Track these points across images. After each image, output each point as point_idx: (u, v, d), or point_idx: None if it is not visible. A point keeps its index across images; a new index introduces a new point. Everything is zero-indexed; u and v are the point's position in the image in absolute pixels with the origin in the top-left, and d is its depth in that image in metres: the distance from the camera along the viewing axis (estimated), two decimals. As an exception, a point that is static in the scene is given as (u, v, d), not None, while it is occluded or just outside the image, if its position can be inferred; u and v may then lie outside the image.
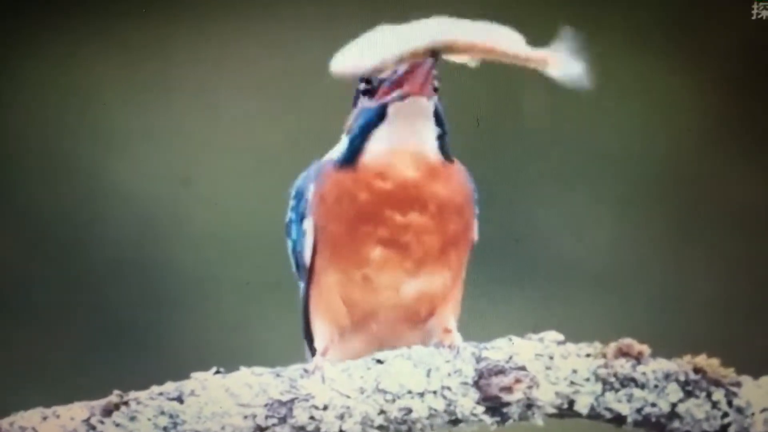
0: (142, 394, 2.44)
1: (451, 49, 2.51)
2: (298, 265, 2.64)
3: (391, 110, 2.54)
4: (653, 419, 2.43)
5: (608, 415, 2.44)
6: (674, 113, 3.85)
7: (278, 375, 2.46)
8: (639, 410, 2.43)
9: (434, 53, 2.50)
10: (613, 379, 2.43)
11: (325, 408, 2.44)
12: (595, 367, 2.44)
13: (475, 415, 2.44)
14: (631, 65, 3.83)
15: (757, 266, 3.77)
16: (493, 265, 3.54)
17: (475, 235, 2.62)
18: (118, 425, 2.42)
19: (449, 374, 2.45)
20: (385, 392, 2.44)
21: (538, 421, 2.45)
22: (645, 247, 3.82)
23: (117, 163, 3.84)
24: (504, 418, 2.44)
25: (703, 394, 2.43)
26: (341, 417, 2.44)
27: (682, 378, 2.43)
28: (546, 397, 2.43)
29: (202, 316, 3.81)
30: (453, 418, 2.44)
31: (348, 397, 2.44)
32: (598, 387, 2.43)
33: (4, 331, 3.77)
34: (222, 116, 3.84)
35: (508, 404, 2.43)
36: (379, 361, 2.47)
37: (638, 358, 2.44)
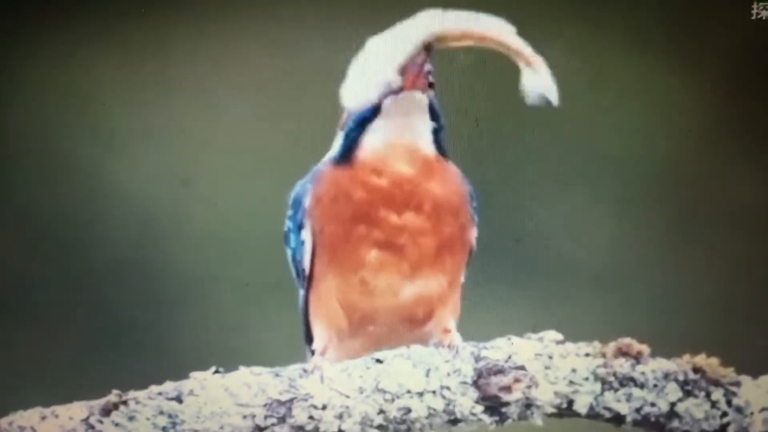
0: (141, 394, 2.45)
1: (443, 39, 2.52)
2: (298, 272, 2.64)
3: (385, 104, 2.55)
4: (652, 419, 2.43)
5: (607, 414, 2.44)
6: (674, 113, 3.85)
7: (277, 375, 2.47)
8: (638, 410, 2.43)
9: (427, 46, 2.51)
10: (612, 379, 2.43)
11: (324, 408, 2.44)
12: (595, 366, 2.44)
13: (474, 414, 2.44)
14: (631, 65, 3.82)
15: (757, 266, 3.77)
16: (492, 264, 3.54)
17: (473, 241, 2.62)
18: (117, 425, 2.42)
19: (448, 374, 2.45)
20: (384, 392, 2.44)
21: (537, 420, 2.45)
22: (645, 247, 3.82)
23: (117, 163, 3.83)
24: (503, 418, 2.45)
25: (702, 393, 2.43)
26: (340, 416, 2.44)
27: (681, 377, 2.43)
28: (545, 396, 2.43)
29: (201, 316, 3.81)
30: (452, 417, 2.45)
31: (347, 396, 2.44)
32: (597, 386, 2.43)
33: (4, 330, 3.77)
34: (222, 116, 3.84)
35: (507, 404, 2.44)
36: (379, 361, 2.47)
37: (637, 358, 2.44)
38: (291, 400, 2.44)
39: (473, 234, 2.63)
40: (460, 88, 3.41)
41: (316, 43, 3.76)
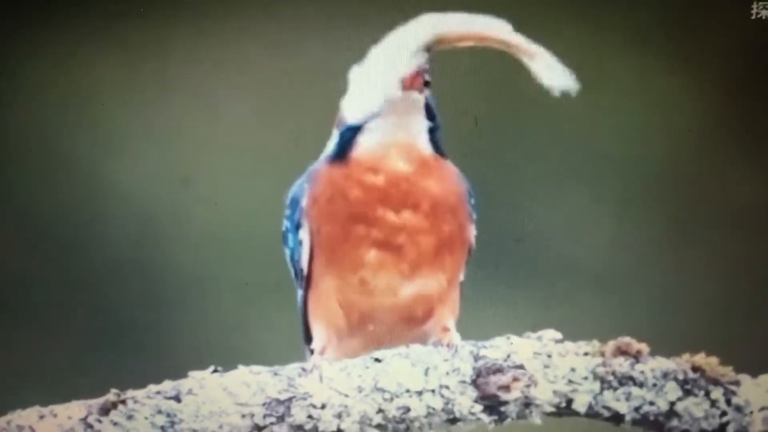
0: (139, 393, 2.44)
1: (442, 42, 2.52)
2: (296, 272, 2.64)
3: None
4: (651, 418, 2.43)
5: (606, 413, 2.44)
6: (674, 113, 3.84)
7: (276, 374, 2.46)
8: (637, 409, 2.43)
9: (427, 48, 2.51)
10: (611, 378, 2.43)
11: (323, 407, 2.44)
12: (594, 365, 2.44)
13: (473, 413, 2.44)
14: (631, 65, 3.82)
15: (757, 266, 3.77)
16: (492, 264, 3.54)
17: (472, 239, 2.62)
18: (115, 424, 2.42)
19: (447, 373, 2.45)
20: (383, 391, 2.44)
21: (536, 419, 2.45)
22: (644, 246, 3.82)
23: (116, 163, 3.84)
24: (502, 417, 2.44)
25: (702, 392, 2.42)
26: (339, 416, 2.44)
27: (680, 376, 2.43)
28: (544, 395, 2.43)
29: (200, 315, 3.81)
30: (451, 416, 2.44)
31: (346, 395, 2.44)
32: (597, 386, 2.43)
33: (3, 330, 3.77)
34: (222, 116, 3.84)
35: (506, 403, 2.43)
36: (378, 360, 2.47)
37: (637, 357, 2.44)
38: (290, 399, 2.44)
39: (472, 232, 2.62)
40: (460, 88, 3.40)
41: (316, 43, 3.76)
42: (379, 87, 2.51)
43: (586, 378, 2.43)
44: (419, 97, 2.54)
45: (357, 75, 2.55)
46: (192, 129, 3.83)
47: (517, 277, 3.69)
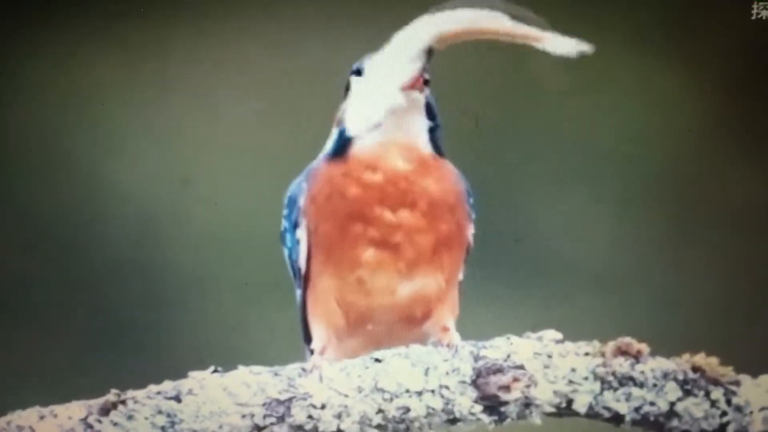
0: (139, 393, 2.44)
1: (442, 42, 2.51)
2: (295, 271, 2.63)
3: None
4: (652, 418, 2.42)
5: (607, 414, 2.43)
6: (674, 113, 3.85)
7: (276, 374, 2.46)
8: (637, 409, 2.42)
9: (427, 51, 2.51)
10: (611, 378, 2.43)
11: (323, 407, 2.44)
12: (594, 366, 2.43)
13: (473, 414, 2.43)
14: (631, 65, 3.82)
15: (757, 266, 3.77)
16: (492, 264, 3.54)
17: (470, 239, 2.61)
18: (115, 424, 2.41)
19: (447, 373, 2.45)
20: (383, 391, 2.44)
21: (537, 420, 2.45)
22: (644, 246, 3.82)
23: (116, 163, 3.84)
24: (502, 417, 2.44)
25: (702, 392, 2.42)
26: (339, 416, 2.43)
27: (680, 377, 2.43)
28: (544, 396, 2.43)
29: (200, 315, 3.81)
30: (451, 417, 2.44)
31: (346, 396, 2.44)
32: (597, 386, 2.43)
33: (3, 330, 3.77)
34: (221, 116, 3.84)
35: (506, 403, 2.43)
36: (377, 360, 2.47)
37: (637, 357, 2.44)
38: (290, 400, 2.44)
39: (471, 231, 2.62)
40: (460, 89, 3.41)
41: (316, 43, 3.76)
42: (381, 98, 2.51)
43: (586, 378, 2.43)
44: (419, 97, 2.53)
45: (358, 86, 2.54)
46: (192, 129, 3.84)
47: (517, 277, 3.69)
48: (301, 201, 2.57)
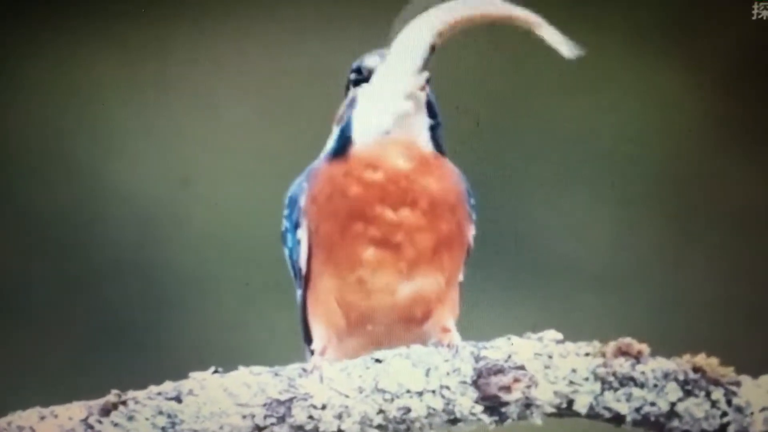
0: (140, 394, 2.44)
1: (443, 36, 2.51)
2: (296, 272, 2.63)
3: None
4: (652, 418, 2.42)
5: (607, 414, 2.43)
6: (674, 113, 3.85)
7: (277, 374, 2.46)
8: (638, 409, 2.42)
9: (431, 48, 2.51)
10: (612, 379, 2.43)
11: (324, 407, 2.43)
12: (594, 366, 2.43)
13: (473, 414, 2.43)
14: (631, 65, 3.83)
15: (757, 266, 3.77)
16: (492, 264, 3.54)
17: (470, 240, 2.61)
18: (116, 425, 2.41)
19: (448, 373, 2.44)
20: (383, 391, 2.44)
21: (537, 420, 2.45)
22: (645, 246, 3.82)
23: (116, 164, 3.84)
24: (503, 418, 2.44)
25: (703, 393, 2.42)
26: (340, 416, 2.43)
27: (681, 377, 2.43)
28: (545, 396, 2.43)
29: (201, 316, 3.81)
30: (452, 417, 2.44)
31: (347, 396, 2.44)
32: (597, 386, 2.43)
33: (4, 330, 3.77)
34: (221, 116, 3.84)
35: (506, 403, 2.43)
36: (378, 361, 2.46)
37: (637, 358, 2.44)
38: (290, 400, 2.44)
39: (471, 232, 2.61)
40: (461, 89, 3.41)
41: (316, 43, 3.76)
42: (390, 105, 2.51)
43: (586, 379, 2.43)
44: (421, 95, 2.53)
45: (365, 92, 2.54)
46: (192, 129, 3.84)
47: (517, 278, 3.69)
48: (302, 201, 2.57)
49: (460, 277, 2.61)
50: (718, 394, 2.42)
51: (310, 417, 2.43)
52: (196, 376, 2.45)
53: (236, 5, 3.83)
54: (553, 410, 2.44)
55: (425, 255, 2.52)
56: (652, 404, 2.42)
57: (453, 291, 2.59)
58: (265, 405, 2.43)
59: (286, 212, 2.62)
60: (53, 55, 3.84)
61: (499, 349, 2.46)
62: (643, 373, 2.42)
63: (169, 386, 2.45)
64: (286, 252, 2.64)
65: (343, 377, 2.45)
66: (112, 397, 2.43)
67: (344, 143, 2.54)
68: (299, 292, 2.63)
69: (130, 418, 2.41)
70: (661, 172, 3.86)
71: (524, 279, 3.71)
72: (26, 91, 3.84)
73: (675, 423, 2.42)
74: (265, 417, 2.42)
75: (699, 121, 3.85)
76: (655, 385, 2.42)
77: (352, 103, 2.57)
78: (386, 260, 2.51)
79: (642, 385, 2.42)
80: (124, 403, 2.42)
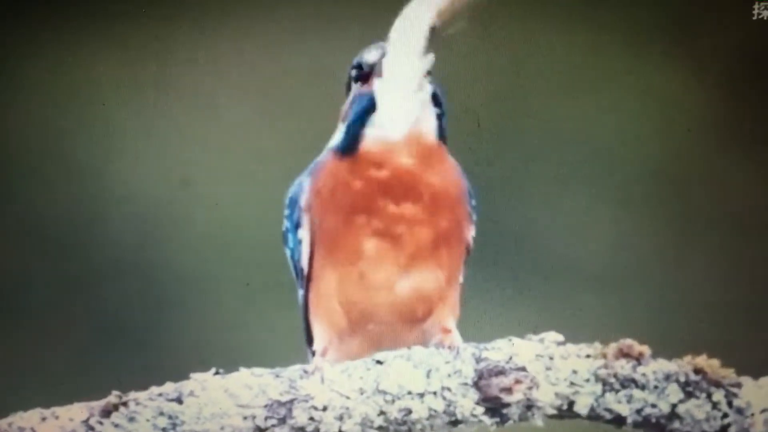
0: (141, 395, 2.44)
1: (442, 16, 2.52)
2: (297, 272, 2.64)
3: None
4: (653, 420, 2.43)
5: (608, 415, 2.44)
6: (674, 113, 3.84)
7: (278, 376, 2.46)
8: (639, 411, 2.43)
9: (431, 33, 2.51)
10: (613, 380, 2.43)
11: (325, 409, 2.44)
12: (596, 367, 2.44)
13: (474, 415, 2.43)
14: (631, 65, 3.82)
15: (758, 267, 3.77)
16: (493, 265, 3.54)
17: (470, 240, 2.62)
18: (117, 426, 2.42)
19: (449, 375, 2.45)
20: (384, 393, 2.44)
21: (538, 421, 2.45)
22: (645, 247, 3.82)
23: (116, 164, 3.83)
24: (504, 419, 2.44)
25: (704, 394, 2.42)
26: (341, 418, 2.44)
27: (682, 379, 2.43)
28: (546, 397, 2.43)
29: (201, 316, 3.81)
30: (453, 418, 2.44)
31: (347, 397, 2.44)
32: (598, 388, 2.43)
33: (4, 331, 3.76)
34: (222, 117, 3.84)
35: (507, 405, 2.43)
36: (379, 362, 2.47)
37: (638, 359, 2.44)
38: (291, 401, 2.44)
39: (471, 232, 2.62)
40: (461, 89, 3.40)
41: (316, 43, 3.76)
42: (411, 93, 2.51)
43: (587, 380, 2.43)
44: (427, 86, 2.54)
45: (383, 90, 2.53)
46: (192, 129, 3.83)
47: (518, 278, 3.69)
48: (303, 199, 2.58)
49: (461, 278, 2.61)
50: (719, 395, 2.42)
51: (311, 418, 2.43)
52: (197, 377, 2.46)
53: (236, 5, 3.83)
54: (554, 412, 2.44)
55: (424, 248, 2.53)
56: (653, 406, 2.42)
57: (454, 291, 2.59)
58: (266, 406, 2.43)
59: (286, 212, 2.63)
60: (53, 55, 3.83)
61: (500, 350, 2.46)
62: (644, 374, 2.42)
63: (170, 387, 2.45)
64: (288, 253, 2.64)
65: (344, 378, 2.46)
66: (113, 398, 2.43)
67: (351, 141, 2.54)
68: (301, 293, 2.64)
69: (131, 419, 2.42)
70: (661, 172, 3.85)
71: (524, 279, 3.71)
72: (26, 91, 3.84)
73: (676, 424, 2.42)
74: (266, 418, 2.43)
75: (699, 121, 3.85)
76: (656, 387, 2.42)
77: (355, 100, 2.57)
78: (386, 253, 2.52)
79: (643, 387, 2.42)
80: (125, 404, 2.42)
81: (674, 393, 2.42)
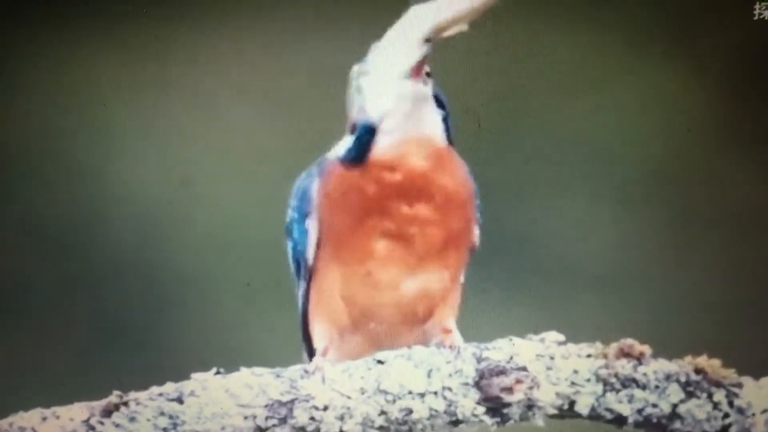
0: (141, 395, 2.44)
1: (438, 31, 2.52)
2: (299, 265, 2.63)
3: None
4: (654, 420, 2.43)
5: (609, 415, 2.44)
6: (674, 113, 3.84)
7: (278, 375, 2.46)
8: (640, 411, 2.43)
9: (426, 40, 2.51)
10: (614, 380, 2.43)
11: (326, 408, 2.44)
12: (596, 367, 2.44)
13: (475, 415, 2.44)
14: (631, 65, 3.82)
15: (759, 267, 3.77)
16: (493, 265, 3.54)
17: (475, 240, 2.62)
18: (117, 426, 2.42)
19: (450, 375, 2.45)
20: (385, 393, 2.44)
21: (539, 421, 2.45)
22: (646, 247, 3.82)
23: (116, 164, 3.83)
24: (504, 419, 2.44)
25: (704, 394, 2.43)
26: (341, 418, 2.44)
27: (683, 379, 2.43)
28: (547, 397, 2.43)
29: (201, 316, 3.81)
30: (454, 418, 2.44)
31: (348, 397, 2.44)
32: (599, 388, 2.43)
33: (4, 330, 3.76)
34: (222, 117, 3.84)
35: (508, 405, 2.43)
36: (380, 362, 2.47)
37: (639, 359, 2.44)
38: (292, 401, 2.44)
39: (476, 233, 2.62)
40: (462, 90, 3.40)
41: (316, 43, 3.76)
42: (388, 87, 2.51)
43: (588, 380, 2.43)
44: (427, 89, 2.54)
45: (365, 80, 2.53)
46: (192, 129, 3.83)
47: (518, 278, 3.69)
48: (313, 193, 2.57)
49: (462, 279, 2.62)
50: (719, 395, 2.42)
51: (312, 418, 2.43)
52: (197, 377, 2.46)
53: (236, 5, 3.82)
54: (555, 411, 2.44)
55: (434, 249, 2.53)
56: (654, 406, 2.42)
57: (455, 290, 2.60)
58: (266, 406, 2.43)
59: (294, 203, 2.62)
60: (53, 55, 3.83)
61: (500, 350, 2.46)
62: (644, 374, 2.42)
63: (170, 387, 2.45)
64: (290, 244, 2.63)
65: (345, 378, 2.46)
66: (113, 398, 2.43)
67: (360, 153, 2.53)
68: (302, 287, 2.63)
69: (132, 419, 2.42)
70: (661, 172, 3.85)
71: (525, 279, 3.71)
72: (26, 91, 3.84)
73: (677, 424, 2.42)
74: (267, 418, 2.43)
75: (699, 121, 3.85)
76: (657, 387, 2.42)
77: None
78: (396, 253, 2.52)
79: (644, 387, 2.42)
80: (125, 404, 2.43)
81: (675, 393, 2.42)
